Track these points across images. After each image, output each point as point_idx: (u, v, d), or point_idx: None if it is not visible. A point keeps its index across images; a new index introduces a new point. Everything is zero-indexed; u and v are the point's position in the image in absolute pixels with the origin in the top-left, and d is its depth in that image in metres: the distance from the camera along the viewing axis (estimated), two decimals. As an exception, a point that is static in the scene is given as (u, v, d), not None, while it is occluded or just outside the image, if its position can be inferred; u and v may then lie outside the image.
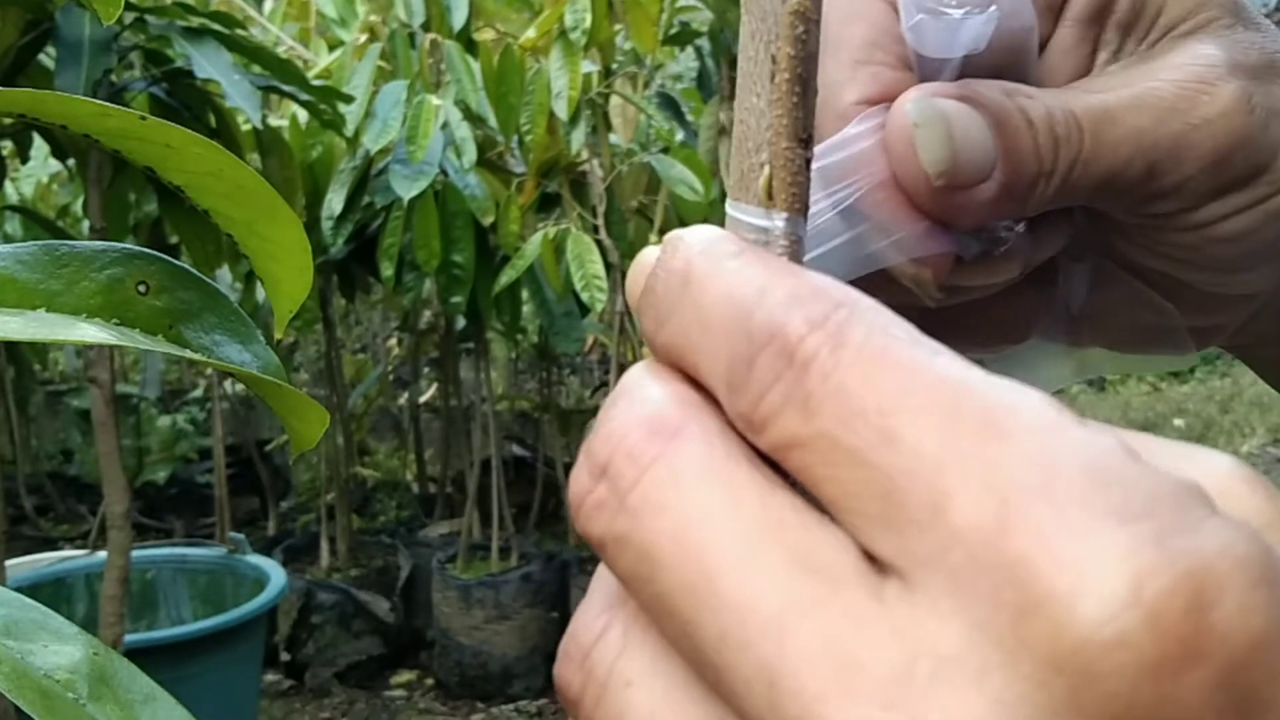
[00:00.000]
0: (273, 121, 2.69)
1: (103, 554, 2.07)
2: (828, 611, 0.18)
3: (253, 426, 3.99)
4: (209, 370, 3.05)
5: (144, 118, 0.50)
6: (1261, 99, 0.32)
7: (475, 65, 2.62)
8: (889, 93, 0.32)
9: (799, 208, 0.23)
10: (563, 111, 2.52)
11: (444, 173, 2.61)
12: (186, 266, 0.56)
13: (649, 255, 0.23)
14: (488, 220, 2.63)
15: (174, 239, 2.39)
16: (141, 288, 0.54)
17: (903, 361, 0.18)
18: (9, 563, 2.23)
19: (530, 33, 2.64)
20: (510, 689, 2.95)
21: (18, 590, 0.45)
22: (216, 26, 1.85)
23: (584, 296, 2.45)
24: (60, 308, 0.53)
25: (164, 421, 4.01)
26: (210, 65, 1.79)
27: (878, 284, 0.32)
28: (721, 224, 0.23)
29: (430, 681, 3.08)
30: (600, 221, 2.67)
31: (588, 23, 2.53)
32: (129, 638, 2.07)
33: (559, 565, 3.02)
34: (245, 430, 3.90)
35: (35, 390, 4.28)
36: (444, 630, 2.98)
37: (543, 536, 3.43)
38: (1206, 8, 0.33)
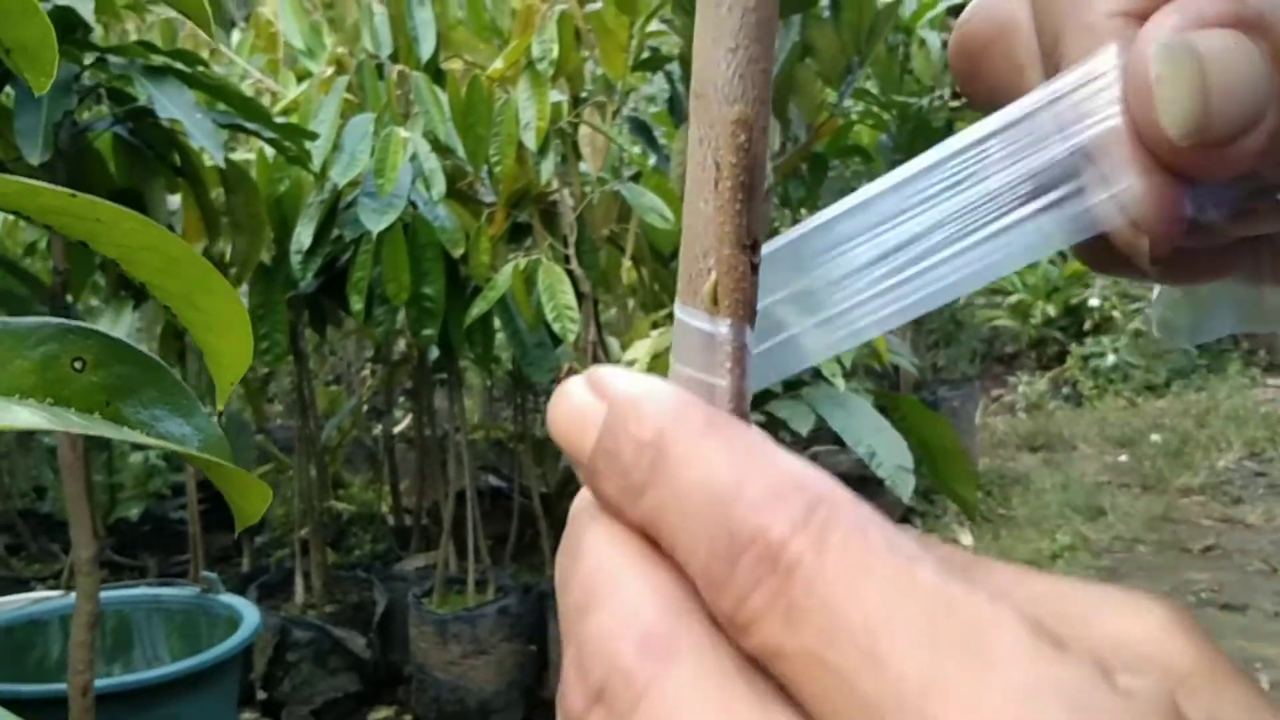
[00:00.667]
0: (240, 155, 2.67)
1: (72, 598, 2.05)
2: None
3: (227, 460, 3.95)
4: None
5: (74, 195, 0.49)
6: None
7: (443, 96, 2.61)
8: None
9: (743, 314, 0.23)
10: (531, 142, 2.51)
11: (413, 205, 2.60)
12: (124, 340, 0.54)
13: (580, 396, 0.23)
14: (458, 252, 2.62)
15: (139, 280, 2.37)
16: (78, 364, 0.53)
17: (884, 573, 0.18)
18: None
19: (498, 63, 2.63)
20: (489, 723, 2.93)
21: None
22: (179, 65, 1.83)
23: (556, 327, 2.44)
24: (-11, 391, 0.52)
25: (136, 458, 3.98)
26: (172, 104, 1.77)
27: (1096, 250, 0.28)
28: None
29: (408, 718, 3.05)
30: (571, 251, 2.66)
31: (555, 53, 2.52)
32: (102, 682, 2.05)
33: (536, 597, 3.00)
34: (219, 464, 3.86)
35: (6, 427, 4.23)
36: (421, 665, 2.96)
37: (520, 568, 3.41)
38: None
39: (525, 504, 3.45)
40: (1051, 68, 0.26)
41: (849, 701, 0.18)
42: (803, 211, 4.87)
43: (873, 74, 4.23)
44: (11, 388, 0.51)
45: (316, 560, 3.18)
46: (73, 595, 1.96)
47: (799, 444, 2.94)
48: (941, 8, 4.26)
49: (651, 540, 0.21)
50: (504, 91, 2.61)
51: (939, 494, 4.12)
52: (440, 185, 2.50)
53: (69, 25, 1.69)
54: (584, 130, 2.72)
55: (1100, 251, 0.27)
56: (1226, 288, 0.33)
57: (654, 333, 2.32)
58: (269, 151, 2.56)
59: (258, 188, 2.33)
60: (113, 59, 1.82)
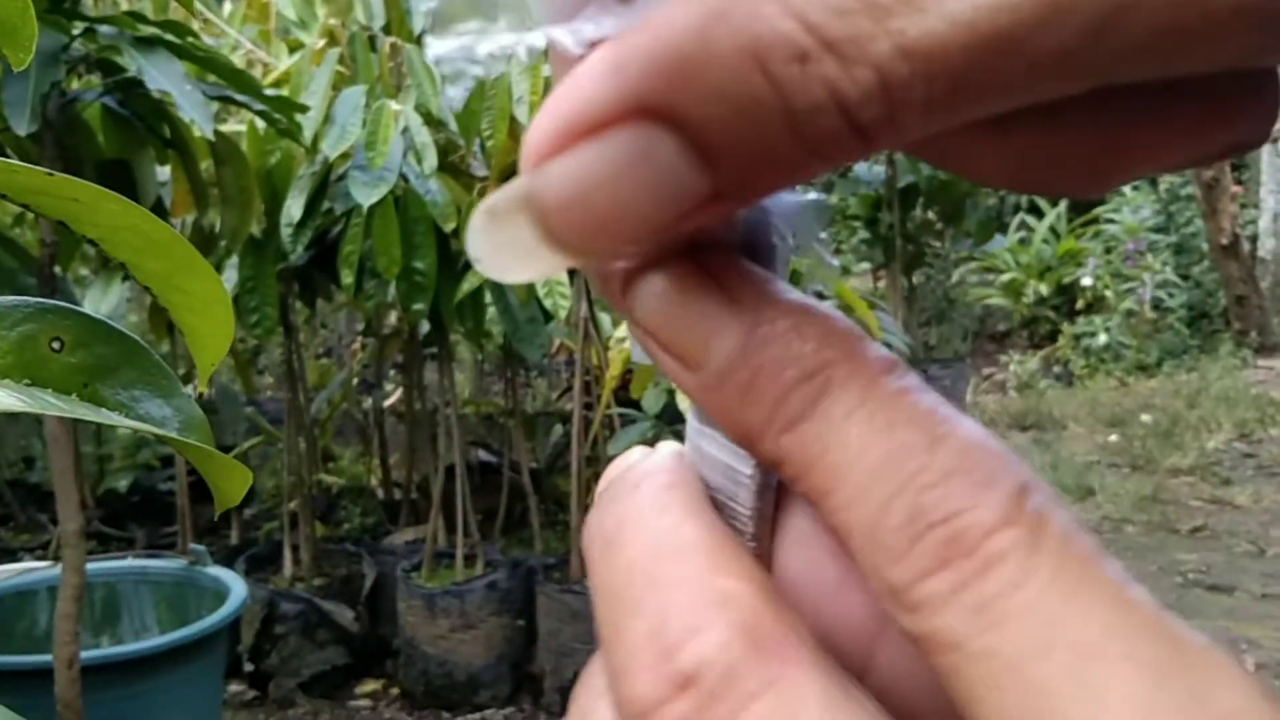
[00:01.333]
0: (230, 127, 2.66)
1: (59, 570, 2.05)
2: None
3: (215, 433, 3.95)
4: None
5: (51, 174, 0.48)
6: None
7: (436, 70, 2.59)
8: None
9: None
10: (524, 117, 2.50)
11: (404, 179, 2.59)
12: (104, 319, 0.54)
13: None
14: (449, 226, 2.61)
15: (119, 260, 2.36)
16: (56, 344, 0.52)
17: (1106, 591, 0.17)
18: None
19: (491, 37, 2.61)
20: (476, 698, 2.93)
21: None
22: (168, 36, 1.82)
23: (547, 303, 2.44)
24: (-37, 373, 0.51)
25: (125, 428, 3.97)
26: (162, 76, 1.76)
27: None
28: None
29: (396, 691, 3.05)
30: (563, 226, 2.65)
31: (549, 27, 2.50)
32: (88, 654, 2.04)
33: (525, 572, 3.01)
34: (208, 436, 3.85)
35: (-5, 396, 4.22)
36: (409, 639, 2.96)
37: (509, 543, 3.41)
38: None
39: (515, 479, 3.45)
40: None
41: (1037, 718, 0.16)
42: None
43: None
44: (-12, 368, 0.51)
45: (305, 533, 3.18)
46: (59, 567, 1.96)
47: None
48: None
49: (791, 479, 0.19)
50: (497, 65, 2.59)
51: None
52: (432, 159, 2.49)
53: (57, -6, 1.68)
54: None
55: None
56: None
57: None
58: (259, 124, 2.55)
59: (248, 160, 2.32)
60: (102, 29, 1.81)
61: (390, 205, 2.56)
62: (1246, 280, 6.89)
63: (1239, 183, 7.83)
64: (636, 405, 2.76)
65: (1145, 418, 5.61)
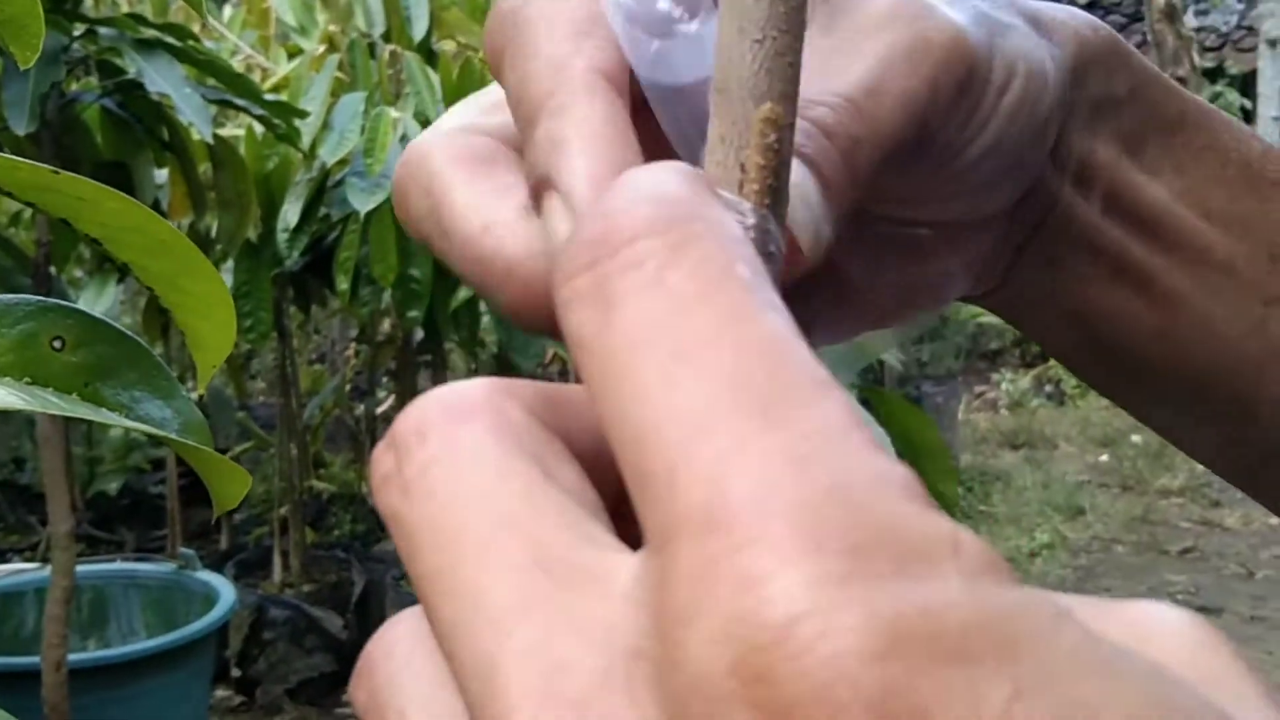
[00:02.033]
0: (229, 131, 2.66)
1: (48, 572, 2.04)
2: (548, 610, 0.16)
3: (207, 436, 3.94)
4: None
5: (56, 172, 0.48)
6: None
7: (435, 77, 2.60)
8: (617, 74, 0.26)
9: None
10: (522, 126, 2.50)
11: (402, 186, 2.58)
12: (105, 319, 0.54)
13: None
14: (446, 234, 2.61)
15: (122, 260, 2.35)
16: (57, 343, 0.52)
17: (727, 307, 0.17)
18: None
19: (491, 46, 2.62)
20: (464, 707, 2.92)
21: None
22: (169, 38, 1.82)
23: (542, 313, 2.44)
24: (-34, 368, 0.51)
25: (116, 432, 3.96)
26: (162, 78, 1.76)
27: None
28: None
29: (383, 698, 3.04)
30: (560, 236, 2.65)
31: (549, 37, 2.51)
32: (76, 656, 2.04)
33: (515, 582, 3.00)
34: (200, 440, 3.85)
35: (-14, 397, 4.21)
36: (398, 647, 2.95)
37: (499, 552, 3.40)
38: None
39: (506, 488, 3.44)
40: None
41: (627, 413, 0.16)
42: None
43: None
44: (-11, 365, 0.51)
45: (295, 539, 3.18)
46: (49, 568, 1.95)
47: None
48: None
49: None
50: (496, 74, 2.60)
51: (920, 489, 4.12)
52: (430, 167, 2.49)
53: (59, -5, 1.68)
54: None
55: None
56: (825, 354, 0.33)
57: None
58: (258, 128, 2.55)
59: (246, 164, 2.32)
60: (102, 31, 1.81)
61: (387, 212, 2.55)
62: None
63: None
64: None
65: (1136, 438, 5.61)
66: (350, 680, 0.21)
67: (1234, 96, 8.72)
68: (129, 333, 0.53)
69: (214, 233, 2.35)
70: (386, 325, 3.57)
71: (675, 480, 0.15)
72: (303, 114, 2.25)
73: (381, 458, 0.19)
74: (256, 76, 2.81)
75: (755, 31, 0.22)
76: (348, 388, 4.19)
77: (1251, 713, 0.15)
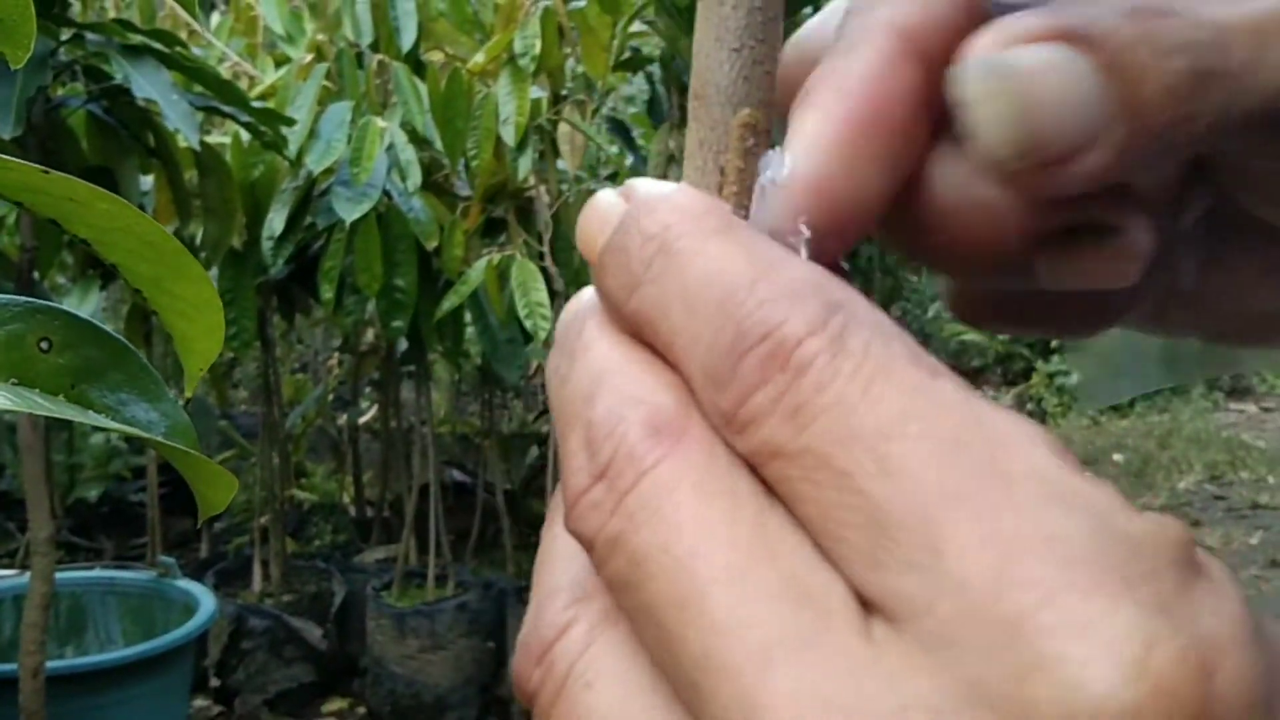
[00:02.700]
0: (215, 138, 2.65)
1: (26, 578, 2.03)
2: (818, 649, 0.17)
3: (189, 445, 3.92)
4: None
5: (47, 172, 0.48)
6: None
7: (423, 88, 2.60)
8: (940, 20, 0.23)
9: None
10: (510, 137, 2.50)
11: (388, 195, 2.58)
12: (92, 320, 0.53)
13: (608, 203, 0.22)
14: (431, 244, 2.60)
15: (110, 261, 2.34)
16: (44, 344, 0.52)
17: (905, 381, 0.18)
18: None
19: (479, 57, 2.62)
20: (443, 719, 2.91)
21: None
22: (156, 45, 1.82)
23: (527, 324, 2.43)
24: (-50, 370, 0.51)
25: (97, 439, 3.94)
26: (149, 84, 1.76)
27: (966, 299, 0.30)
28: None
29: (362, 710, 3.03)
30: (546, 248, 2.65)
31: (537, 49, 2.51)
32: (54, 664, 2.02)
33: (496, 594, 2.99)
34: (181, 448, 3.82)
35: (-34, 403, 4.18)
36: (377, 659, 2.94)
37: (481, 564, 3.39)
38: None
39: (489, 500, 3.44)
40: None
41: (850, 506, 0.17)
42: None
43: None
44: (-25, 366, 0.50)
45: (276, 549, 3.16)
46: (27, 575, 1.94)
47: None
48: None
49: (646, 341, 0.21)
50: (484, 85, 2.60)
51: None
52: (416, 177, 2.49)
53: (47, 0, 1.67)
54: (563, 128, 2.72)
55: (971, 301, 0.28)
56: (1138, 342, 0.32)
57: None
58: (244, 136, 2.54)
59: (232, 172, 2.31)
60: (90, 36, 1.80)
61: (373, 222, 2.55)
62: (1220, 323, 6.94)
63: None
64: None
65: (1117, 457, 5.63)
66: (518, 674, 0.21)
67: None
68: (116, 335, 0.53)
69: (199, 240, 2.35)
70: (370, 335, 3.56)
71: (943, 554, 0.16)
72: (290, 122, 2.25)
73: (586, 485, 0.19)
74: (243, 84, 2.81)
75: (733, 40, 0.22)
76: (330, 398, 4.18)
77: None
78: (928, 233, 0.23)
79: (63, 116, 1.99)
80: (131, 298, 2.73)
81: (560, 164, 2.78)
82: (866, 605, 0.17)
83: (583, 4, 2.66)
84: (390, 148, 2.51)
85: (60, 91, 2.02)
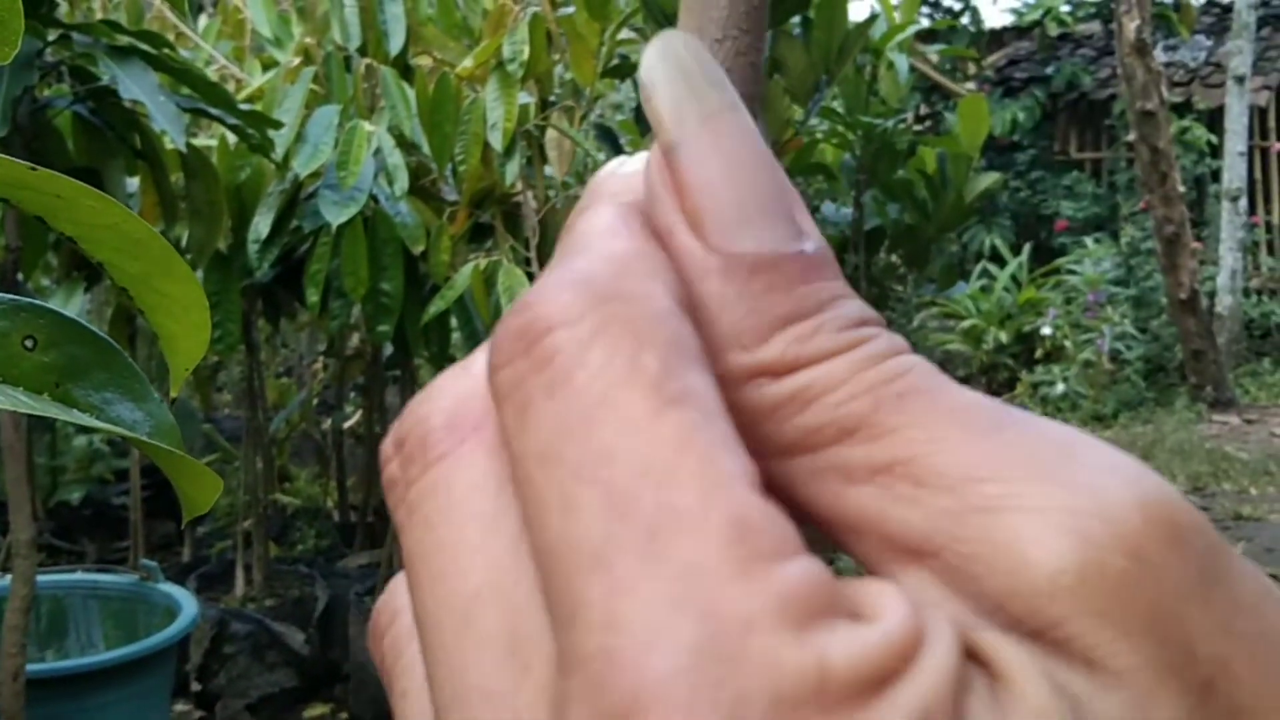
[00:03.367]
0: (202, 141, 2.65)
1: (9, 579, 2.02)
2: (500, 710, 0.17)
3: (172, 448, 3.91)
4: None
5: (33, 168, 0.48)
6: None
7: (410, 92, 2.60)
8: None
9: None
10: (497, 142, 2.50)
11: (375, 199, 2.58)
12: (77, 319, 0.53)
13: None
14: (418, 249, 2.60)
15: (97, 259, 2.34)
16: (29, 342, 0.51)
17: (632, 411, 0.17)
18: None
19: (468, 62, 2.62)
20: (426, 725, 2.90)
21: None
22: (144, 46, 1.81)
23: (513, 330, 2.43)
24: (-67, 368, 0.50)
25: (80, 441, 3.93)
26: (136, 86, 1.75)
27: None
28: None
29: (344, 716, 3.02)
30: (533, 254, 2.65)
31: (526, 55, 2.51)
32: (34, 667, 2.01)
33: (480, 600, 2.99)
34: (164, 452, 3.82)
35: (-52, 404, 4.16)
36: (360, 664, 2.93)
37: (464, 569, 3.38)
38: None
39: (473, 506, 3.43)
40: None
41: (537, 528, 0.17)
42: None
43: (839, 93, 4.25)
44: (-41, 364, 0.50)
45: (259, 553, 3.15)
46: (8, 578, 1.93)
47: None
48: (911, 31, 4.29)
49: None
50: (472, 90, 2.60)
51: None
52: (403, 181, 2.49)
53: (34, 0, 1.67)
54: (551, 134, 2.72)
55: None
56: None
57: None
58: (231, 138, 2.54)
59: (218, 174, 2.31)
60: (77, 36, 1.80)
61: (359, 226, 2.55)
62: (1203, 335, 6.96)
63: (1199, 239, 7.93)
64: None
65: (1101, 468, 5.65)
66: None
67: (1201, 131, 8.81)
68: (101, 334, 0.53)
69: (184, 242, 2.34)
70: (355, 339, 3.56)
71: (575, 618, 0.16)
72: (277, 125, 2.24)
73: (389, 455, 0.20)
74: (231, 87, 2.80)
75: (716, 31, 0.22)
76: (315, 402, 4.17)
77: None
78: None
79: (49, 117, 1.99)
80: (116, 299, 2.72)
81: (548, 170, 2.78)
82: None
83: (571, 10, 2.66)
84: (378, 152, 2.51)
85: (47, 92, 2.02)
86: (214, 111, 1.96)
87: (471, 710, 0.17)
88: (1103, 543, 0.16)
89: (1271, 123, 9.24)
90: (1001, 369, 7.67)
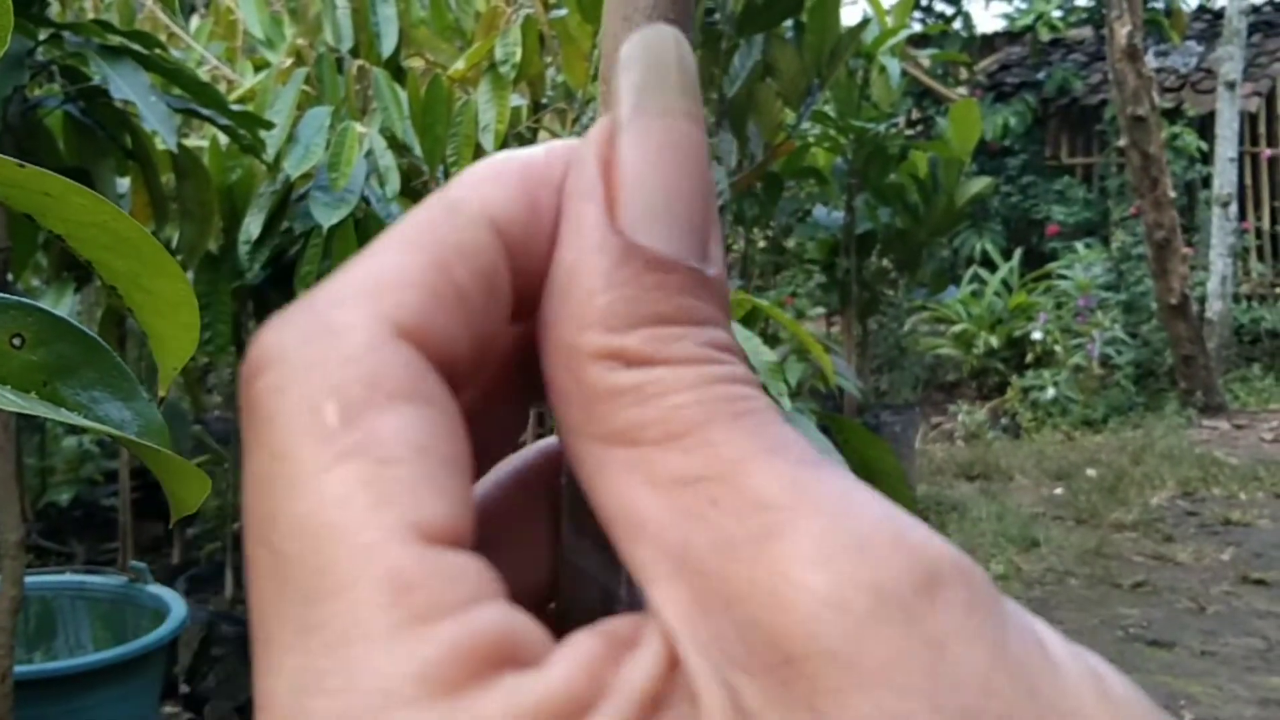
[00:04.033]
0: (193, 142, 2.64)
1: None
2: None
3: (162, 449, 3.90)
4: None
5: (23, 165, 0.47)
6: None
7: (403, 94, 2.59)
8: None
9: None
10: (489, 144, 2.50)
11: (366, 201, 2.57)
12: (66, 318, 0.53)
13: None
14: (409, 251, 2.59)
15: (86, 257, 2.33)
16: (17, 340, 0.51)
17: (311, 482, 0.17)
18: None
19: (460, 64, 2.62)
20: (415, 727, 2.90)
21: None
22: (135, 46, 1.81)
23: (504, 332, 2.43)
24: (-81, 366, 0.50)
25: (69, 442, 3.92)
26: (127, 86, 1.75)
27: None
28: None
29: (333, 717, 3.01)
30: (523, 256, 2.64)
31: (518, 57, 2.51)
32: (23, 668, 2.01)
33: (470, 602, 2.98)
34: (154, 453, 3.80)
35: (-63, 405, 4.15)
36: (350, 665, 2.93)
37: (454, 571, 3.38)
38: None
39: (463, 508, 3.42)
40: None
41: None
42: (755, 230, 4.88)
43: (831, 97, 4.25)
44: (-54, 361, 0.50)
45: (248, 555, 3.14)
46: (-3, 579, 1.92)
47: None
48: (903, 35, 4.30)
49: None
50: (464, 92, 2.60)
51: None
52: (395, 183, 2.48)
53: (25, -1, 1.66)
54: (542, 136, 2.72)
55: None
56: None
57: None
58: (222, 139, 2.53)
59: (209, 175, 2.30)
60: (68, 36, 1.79)
61: (350, 227, 2.54)
62: (1193, 341, 6.98)
63: (1189, 244, 7.95)
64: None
65: (1091, 472, 5.65)
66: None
67: (1191, 138, 8.83)
68: (90, 332, 0.52)
69: (175, 243, 2.33)
70: (346, 341, 3.54)
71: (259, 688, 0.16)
72: (268, 125, 2.24)
73: (249, 358, 0.19)
74: (223, 88, 2.80)
75: (641, 20, 0.21)
76: (305, 404, 4.15)
77: None
78: None
79: (40, 116, 1.98)
80: (106, 300, 2.72)
81: (539, 172, 2.78)
82: None
83: (564, 13, 2.66)
84: (369, 153, 2.50)
85: (37, 91, 2.01)
86: (205, 112, 1.95)
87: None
88: (855, 579, 0.16)
89: (1262, 128, 9.26)
90: (992, 373, 7.68)
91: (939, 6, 11.24)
